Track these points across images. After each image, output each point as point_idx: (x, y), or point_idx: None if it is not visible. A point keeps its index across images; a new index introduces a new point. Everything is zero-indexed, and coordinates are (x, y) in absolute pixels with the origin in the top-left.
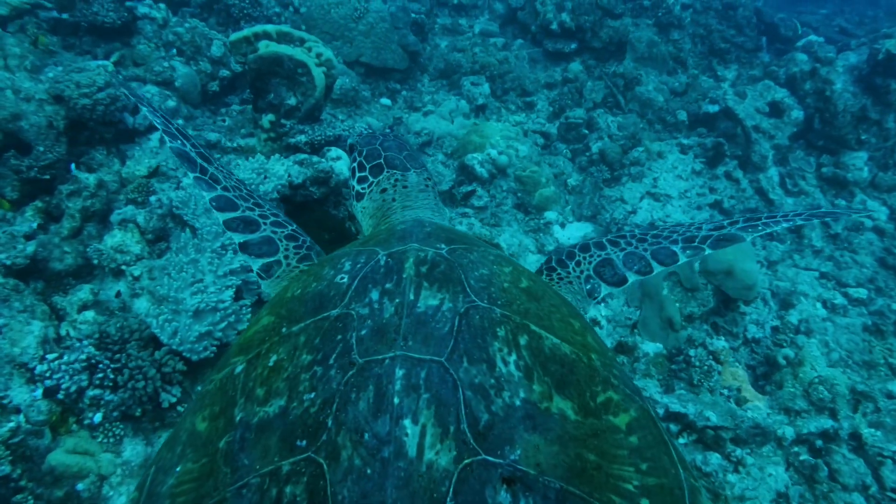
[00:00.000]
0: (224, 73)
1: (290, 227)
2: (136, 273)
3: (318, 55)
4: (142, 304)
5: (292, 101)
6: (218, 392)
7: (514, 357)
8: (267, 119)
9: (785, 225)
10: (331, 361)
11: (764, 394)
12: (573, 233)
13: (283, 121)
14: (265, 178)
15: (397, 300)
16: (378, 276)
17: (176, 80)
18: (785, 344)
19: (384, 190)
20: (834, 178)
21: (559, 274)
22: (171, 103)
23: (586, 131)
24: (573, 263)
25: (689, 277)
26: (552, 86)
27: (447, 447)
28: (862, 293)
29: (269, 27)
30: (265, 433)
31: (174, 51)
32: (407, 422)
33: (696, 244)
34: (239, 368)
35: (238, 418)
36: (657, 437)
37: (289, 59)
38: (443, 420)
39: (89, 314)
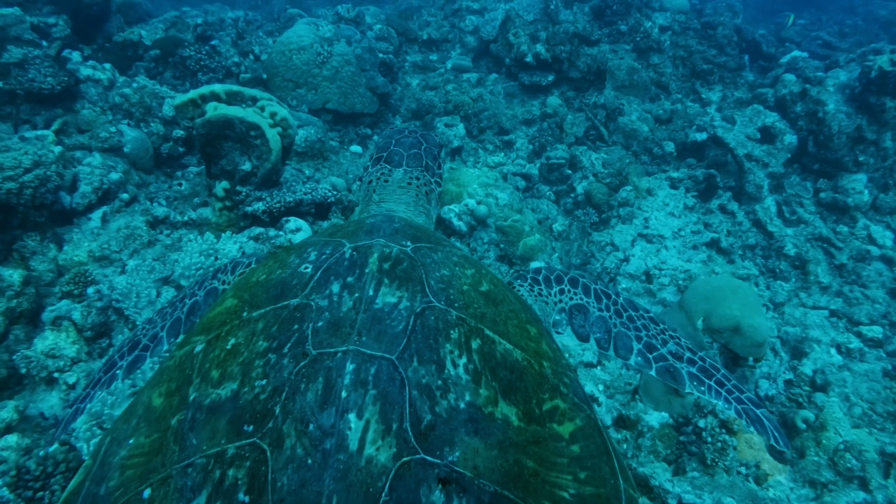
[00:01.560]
0: (178, 132)
1: (211, 272)
2: (72, 381)
3: (273, 115)
4: (79, 422)
5: (247, 166)
6: (176, 369)
7: (464, 360)
8: (221, 187)
9: (723, 405)
10: (285, 350)
11: (784, 462)
12: None
13: (238, 188)
14: (216, 259)
15: (356, 295)
16: (341, 269)
17: (125, 145)
18: (801, 399)
19: (370, 182)
20: (833, 204)
21: (541, 290)
22: (115, 175)
23: (569, 171)
24: (557, 289)
25: (691, 335)
26: (531, 122)
27: (388, 444)
28: (877, 332)
29: (217, 87)
30: (215, 415)
31: (120, 115)
32: (352, 416)
33: (650, 356)
34: (199, 348)
35: (191, 398)
36: (600, 447)
37: (240, 122)
38: (387, 417)
39: (12, 439)
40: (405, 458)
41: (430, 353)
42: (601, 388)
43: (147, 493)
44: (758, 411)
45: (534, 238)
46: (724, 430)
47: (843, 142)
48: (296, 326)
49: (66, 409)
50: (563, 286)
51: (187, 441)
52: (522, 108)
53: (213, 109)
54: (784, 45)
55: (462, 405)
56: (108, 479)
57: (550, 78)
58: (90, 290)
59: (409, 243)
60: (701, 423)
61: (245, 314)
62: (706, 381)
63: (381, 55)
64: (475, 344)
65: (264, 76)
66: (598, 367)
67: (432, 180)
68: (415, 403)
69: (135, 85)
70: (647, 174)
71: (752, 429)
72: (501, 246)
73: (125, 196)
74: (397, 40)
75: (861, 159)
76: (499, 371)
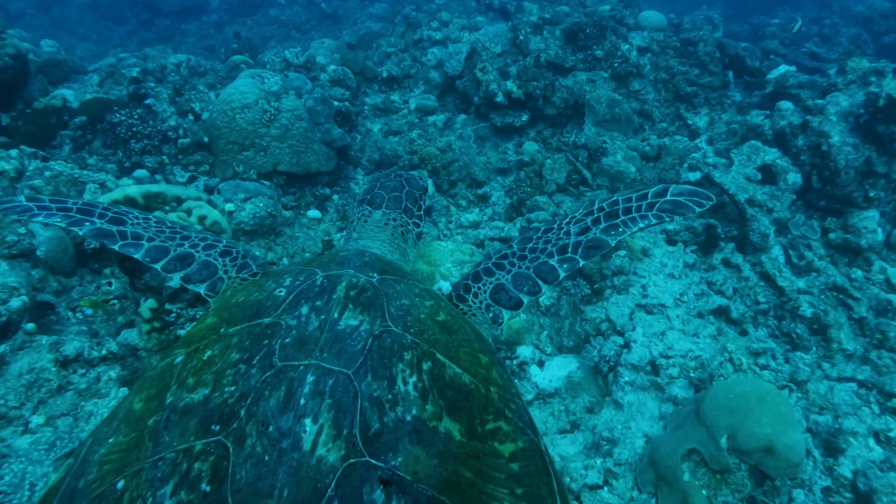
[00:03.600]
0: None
1: (221, 245)
2: None
3: (202, 218)
4: None
5: (174, 281)
6: (157, 378)
7: (414, 379)
8: (146, 306)
9: (641, 225)
10: (254, 362)
11: None
12: (555, 372)
13: (167, 306)
14: None
15: (322, 316)
16: (312, 294)
17: (37, 247)
18: None
19: (353, 221)
20: (845, 245)
21: (462, 310)
22: (17, 302)
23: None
24: (471, 296)
25: (715, 457)
26: (506, 171)
27: (337, 447)
28: None
29: (132, 190)
30: (187, 416)
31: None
32: (308, 420)
33: (569, 255)
34: (179, 359)
35: (168, 401)
36: (540, 468)
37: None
38: (339, 423)
39: None
40: (352, 460)
41: (383, 371)
42: None
43: (120, 484)
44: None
45: (518, 320)
46: None
47: (852, 176)
48: (266, 342)
49: None
50: (473, 289)
51: (161, 438)
52: (496, 152)
53: None
54: (769, 57)
55: (408, 417)
56: (86, 474)
57: (524, 118)
58: None
59: (375, 275)
60: None
61: (222, 330)
62: (619, 228)
63: (336, 103)
64: (426, 366)
65: (206, 139)
66: (605, 489)
67: (410, 221)
68: (365, 413)
69: (48, 174)
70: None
71: None
72: None
73: (30, 326)
74: (354, 81)
75: (872, 194)
76: (446, 391)
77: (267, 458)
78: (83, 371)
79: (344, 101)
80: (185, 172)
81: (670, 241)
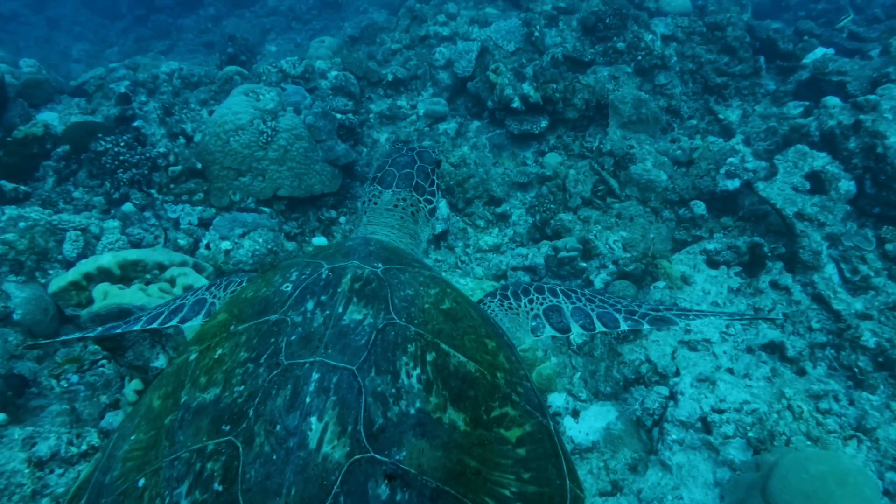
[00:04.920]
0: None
1: (206, 284)
2: None
3: (187, 288)
4: None
5: (160, 361)
6: (173, 375)
7: (417, 371)
8: (131, 388)
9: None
10: (262, 360)
11: None
12: (592, 424)
13: None
14: None
15: (327, 312)
16: (317, 288)
17: (13, 311)
18: None
19: (364, 202)
20: None
21: (510, 304)
22: None
23: (584, 264)
24: (526, 300)
25: None
26: (526, 185)
27: (342, 443)
28: None
29: (105, 259)
30: (200, 415)
31: (6, 267)
32: (313, 419)
33: (636, 317)
34: (193, 356)
35: (182, 400)
36: (549, 450)
37: (140, 311)
38: (343, 420)
39: None
40: (356, 456)
41: (386, 365)
42: None
43: (142, 482)
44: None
45: (549, 364)
46: None
47: None
48: (272, 340)
49: None
50: (530, 296)
51: (176, 438)
52: (514, 162)
53: (103, 298)
54: (802, 38)
55: (412, 411)
56: (112, 470)
57: (543, 124)
58: None
59: (380, 265)
60: None
61: (232, 327)
62: (689, 314)
63: (339, 116)
64: (430, 357)
65: (198, 165)
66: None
67: (421, 199)
68: (369, 409)
69: (22, 224)
70: (675, 241)
71: None
72: None
73: (1, 417)
74: (358, 87)
75: None
76: (451, 381)
77: (275, 457)
78: (61, 471)
79: (347, 112)
80: (177, 206)
81: (711, 263)
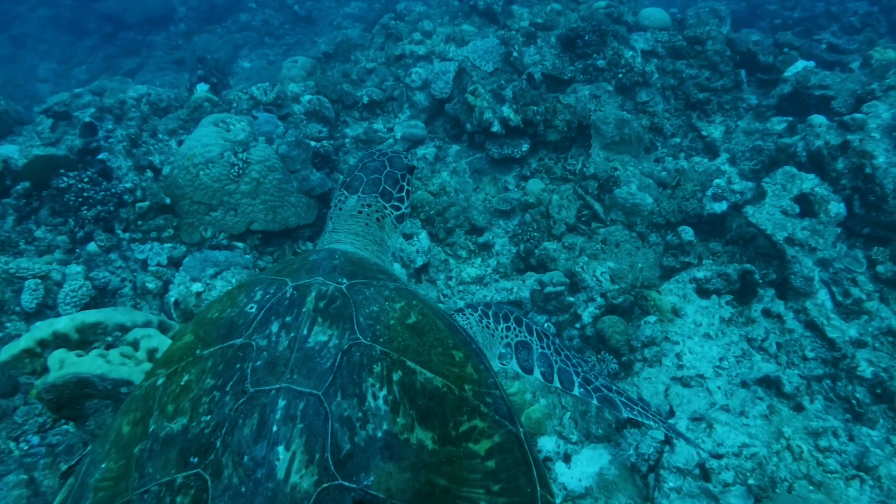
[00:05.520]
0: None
1: None
2: None
3: (151, 352)
4: None
5: None
6: (142, 399)
7: (384, 392)
8: None
9: (653, 424)
10: (227, 388)
11: None
12: (584, 468)
13: None
14: None
15: (292, 334)
16: (282, 309)
17: None
18: None
19: (331, 208)
20: None
21: (489, 323)
22: None
23: (571, 298)
24: (504, 325)
25: None
26: (509, 213)
27: (310, 472)
28: None
29: (62, 323)
30: (168, 446)
31: None
32: (280, 448)
33: (589, 388)
34: (160, 381)
35: (151, 429)
36: (519, 459)
37: (101, 380)
38: (311, 448)
39: None
40: (325, 485)
41: (353, 388)
42: None
43: None
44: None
45: (538, 407)
46: None
47: None
48: (238, 365)
49: None
50: (509, 323)
51: (146, 469)
52: (495, 187)
53: (59, 367)
54: (783, 50)
55: (379, 434)
56: (84, 499)
57: (525, 147)
58: None
59: (344, 280)
60: None
61: (198, 352)
62: (635, 407)
63: (313, 144)
64: (396, 376)
65: (167, 201)
66: None
67: (387, 206)
68: (336, 435)
69: None
70: (663, 268)
71: None
72: None
73: None
74: (333, 110)
75: None
76: (418, 399)
77: (243, 488)
78: None
79: (322, 139)
80: (145, 245)
81: (702, 292)
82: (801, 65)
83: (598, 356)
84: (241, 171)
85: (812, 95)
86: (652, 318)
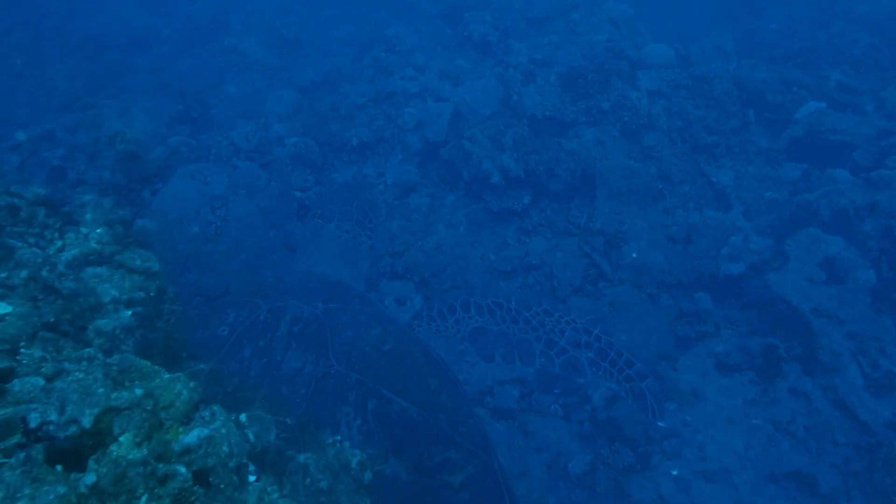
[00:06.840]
0: None
1: None
2: None
3: None
4: None
5: None
6: None
7: (358, 422)
8: None
9: (614, 386)
10: None
11: None
12: None
13: None
14: None
15: (265, 360)
16: (255, 332)
17: None
18: None
19: (304, 237)
20: None
21: (437, 326)
22: None
23: (581, 380)
24: (452, 319)
25: None
26: (510, 274)
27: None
28: None
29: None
30: None
31: None
32: (251, 479)
33: (551, 353)
34: None
35: None
36: (492, 490)
37: None
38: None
39: None
40: None
41: (327, 416)
42: None
43: None
44: (642, 384)
45: None
46: None
47: None
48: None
49: None
50: (457, 315)
51: None
52: (494, 241)
53: None
54: (791, 89)
55: (354, 464)
56: None
57: (526, 200)
58: None
59: (320, 304)
60: None
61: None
62: (601, 363)
63: (298, 194)
64: (371, 405)
65: (137, 261)
66: None
67: (362, 234)
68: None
69: None
70: (677, 337)
71: None
72: None
73: None
74: (319, 153)
75: None
76: (393, 429)
77: None
78: None
79: (307, 189)
80: None
81: (722, 367)
82: (812, 106)
83: (612, 448)
84: (219, 230)
85: (827, 140)
86: (672, 406)
